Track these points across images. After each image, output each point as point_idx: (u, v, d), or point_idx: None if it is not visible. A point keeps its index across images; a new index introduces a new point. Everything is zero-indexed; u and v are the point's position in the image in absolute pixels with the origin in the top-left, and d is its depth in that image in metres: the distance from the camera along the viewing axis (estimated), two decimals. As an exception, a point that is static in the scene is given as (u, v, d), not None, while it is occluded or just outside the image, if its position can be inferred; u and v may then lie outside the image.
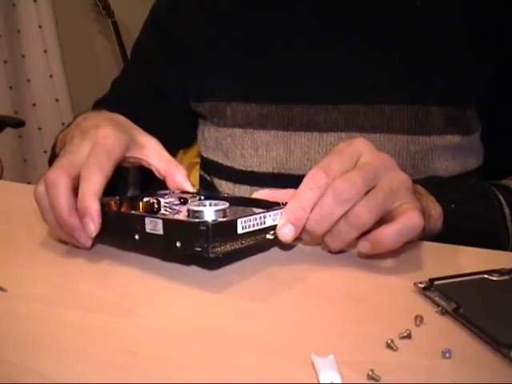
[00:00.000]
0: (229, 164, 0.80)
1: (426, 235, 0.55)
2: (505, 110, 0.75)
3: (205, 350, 0.39)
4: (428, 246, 0.54)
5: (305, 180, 0.49)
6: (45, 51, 2.31)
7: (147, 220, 0.48)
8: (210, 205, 0.49)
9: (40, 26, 2.29)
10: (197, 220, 0.46)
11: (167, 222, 0.47)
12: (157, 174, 0.61)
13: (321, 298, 0.46)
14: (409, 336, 0.40)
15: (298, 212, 0.48)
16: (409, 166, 0.70)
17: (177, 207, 0.54)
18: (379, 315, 0.43)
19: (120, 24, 2.43)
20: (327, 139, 0.73)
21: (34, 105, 2.33)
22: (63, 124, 2.32)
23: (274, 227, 0.49)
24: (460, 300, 0.42)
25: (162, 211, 0.54)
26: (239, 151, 0.78)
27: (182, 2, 0.83)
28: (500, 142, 0.76)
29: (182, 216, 0.51)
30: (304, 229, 0.49)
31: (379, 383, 0.35)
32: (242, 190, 0.79)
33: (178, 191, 0.58)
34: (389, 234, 0.48)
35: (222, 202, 0.49)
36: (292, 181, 0.77)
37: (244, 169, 0.78)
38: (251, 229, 0.47)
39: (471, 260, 0.52)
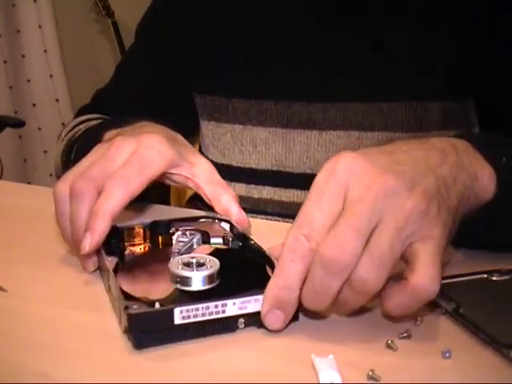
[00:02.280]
0: (224, 162, 0.80)
1: (474, 205, 0.46)
2: (503, 97, 0.72)
3: (204, 350, 0.39)
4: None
5: (284, 249, 0.39)
6: (45, 51, 2.31)
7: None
8: (198, 266, 0.43)
9: (40, 26, 2.29)
10: (124, 303, 0.39)
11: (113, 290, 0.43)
12: (204, 199, 0.55)
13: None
14: (409, 336, 0.40)
15: (284, 293, 0.39)
16: None
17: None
18: (379, 315, 0.43)
19: (120, 24, 2.43)
20: (326, 137, 0.74)
21: (34, 105, 2.33)
22: (63, 124, 2.32)
23: (243, 315, 0.41)
24: (460, 300, 0.42)
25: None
26: (238, 148, 0.78)
27: None
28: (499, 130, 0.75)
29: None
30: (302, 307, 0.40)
31: (379, 383, 0.35)
32: (238, 188, 0.78)
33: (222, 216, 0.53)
34: (393, 309, 0.39)
35: (211, 263, 0.43)
36: (291, 178, 0.77)
37: (242, 166, 0.78)
38: (197, 319, 0.39)
39: (471, 260, 0.52)
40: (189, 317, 0.39)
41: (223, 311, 0.40)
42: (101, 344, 0.40)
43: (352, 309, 0.40)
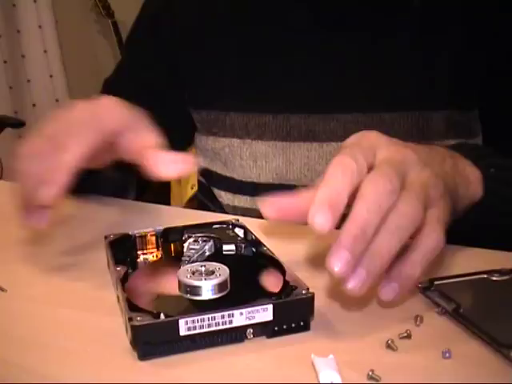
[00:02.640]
0: (228, 174, 0.79)
1: (467, 205, 0.52)
2: (506, 107, 0.73)
3: (204, 350, 0.39)
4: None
5: (332, 165, 0.40)
6: (45, 51, 2.31)
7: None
8: (207, 274, 0.42)
9: (40, 26, 2.29)
10: (129, 314, 0.39)
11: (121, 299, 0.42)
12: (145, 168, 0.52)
13: (320, 298, 0.46)
14: (409, 336, 0.40)
15: (334, 194, 0.38)
16: None
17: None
18: (379, 315, 0.43)
19: (120, 24, 2.43)
20: (327, 149, 0.72)
21: (33, 105, 2.33)
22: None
23: (252, 325, 0.39)
24: (460, 300, 0.42)
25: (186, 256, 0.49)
26: (238, 162, 0.77)
27: (177, 3, 0.81)
28: (502, 139, 0.75)
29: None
30: (344, 250, 0.37)
31: (379, 383, 0.35)
32: (242, 200, 0.78)
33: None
34: (409, 271, 0.40)
35: (221, 271, 0.42)
36: (293, 191, 0.76)
37: (243, 179, 0.77)
38: (203, 330, 0.38)
39: (471, 260, 0.52)
40: (194, 328, 0.38)
41: (230, 321, 0.39)
42: (101, 344, 0.40)
43: (388, 256, 0.38)
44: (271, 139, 0.75)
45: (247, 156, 0.76)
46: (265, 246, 0.49)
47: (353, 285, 0.37)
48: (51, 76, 2.34)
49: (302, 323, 0.41)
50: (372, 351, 0.39)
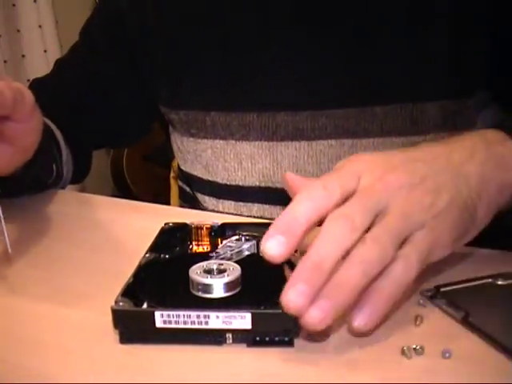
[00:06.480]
0: (210, 178, 0.75)
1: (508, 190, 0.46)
2: None
3: (204, 350, 0.39)
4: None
5: (299, 192, 0.40)
6: (45, 51, 2.31)
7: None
8: (218, 273, 0.42)
9: (40, 26, 2.29)
10: (116, 298, 0.40)
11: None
12: None
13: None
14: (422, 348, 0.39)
15: (291, 220, 0.39)
16: None
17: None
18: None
19: (120, 24, 2.43)
20: (316, 148, 0.68)
21: (34, 105, 2.33)
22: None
23: (230, 331, 0.39)
24: (468, 307, 0.41)
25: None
26: (221, 164, 0.73)
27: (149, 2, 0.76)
28: None
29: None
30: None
31: (379, 382, 0.35)
32: (226, 206, 0.74)
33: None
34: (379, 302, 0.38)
35: (232, 268, 0.43)
36: (281, 194, 0.71)
37: (228, 183, 0.73)
38: (178, 326, 0.39)
39: (474, 262, 0.51)
40: (170, 322, 0.39)
41: (206, 322, 0.39)
42: (101, 344, 0.40)
43: (347, 291, 0.37)
44: (256, 139, 0.70)
45: (231, 158, 0.72)
46: (300, 253, 0.47)
47: (314, 315, 0.36)
48: (51, 76, 2.34)
49: (286, 338, 0.39)
50: (372, 351, 0.39)
